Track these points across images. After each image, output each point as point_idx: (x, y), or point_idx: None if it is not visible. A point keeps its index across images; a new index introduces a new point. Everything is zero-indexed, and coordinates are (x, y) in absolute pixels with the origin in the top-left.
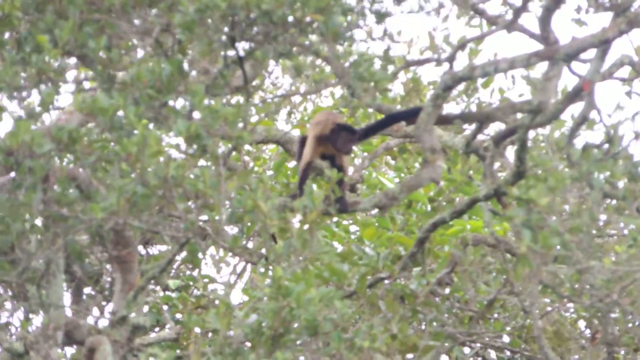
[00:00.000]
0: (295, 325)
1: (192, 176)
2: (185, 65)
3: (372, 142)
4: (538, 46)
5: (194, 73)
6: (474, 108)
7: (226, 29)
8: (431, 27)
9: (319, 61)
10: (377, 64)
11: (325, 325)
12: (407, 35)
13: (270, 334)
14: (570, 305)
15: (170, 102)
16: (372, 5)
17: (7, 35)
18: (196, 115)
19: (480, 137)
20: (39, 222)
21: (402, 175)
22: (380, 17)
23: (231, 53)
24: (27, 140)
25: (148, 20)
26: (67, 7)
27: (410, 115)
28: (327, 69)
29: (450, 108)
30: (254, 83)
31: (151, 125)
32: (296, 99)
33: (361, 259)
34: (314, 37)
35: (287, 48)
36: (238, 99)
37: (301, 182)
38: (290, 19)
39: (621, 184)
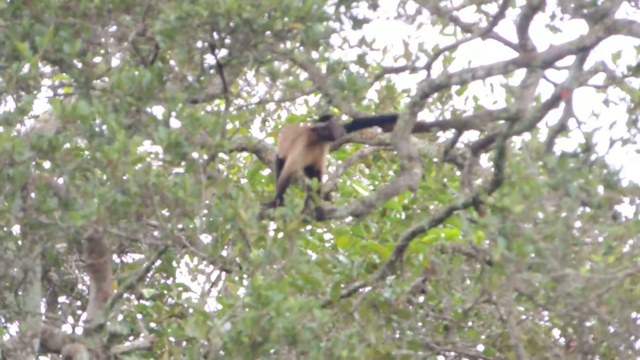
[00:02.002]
0: (274, 334)
1: (172, 184)
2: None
3: (347, 150)
4: (512, 53)
5: (171, 80)
6: (448, 115)
7: (206, 37)
8: (405, 34)
9: (293, 68)
10: (354, 71)
11: (304, 334)
12: (381, 42)
13: (249, 343)
14: (545, 313)
15: (148, 110)
16: (347, 10)
17: None
18: (174, 123)
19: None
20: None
21: (376, 182)
22: (357, 23)
23: (209, 60)
24: (7, 148)
25: (124, 24)
26: (42, 11)
27: (386, 121)
28: (302, 76)
29: (425, 115)
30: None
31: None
32: (270, 106)
33: (335, 267)
34: (290, 45)
35: (266, 56)
36: (213, 106)
37: (281, 191)
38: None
39: (596, 191)
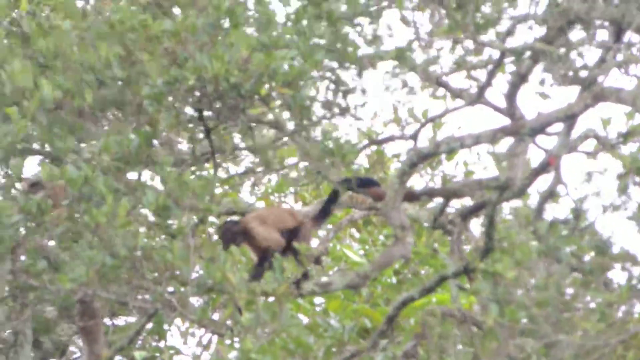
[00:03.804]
0: None
1: (160, 247)
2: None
3: (337, 214)
4: (502, 118)
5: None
6: (438, 181)
7: (193, 101)
8: (395, 99)
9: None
10: (343, 138)
11: None
12: (371, 107)
13: None
14: None
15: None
16: (337, 88)
17: None
18: (163, 186)
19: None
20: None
21: (367, 247)
22: (345, 93)
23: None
24: None
25: (117, 120)
26: (37, 109)
27: (365, 184)
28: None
29: (415, 180)
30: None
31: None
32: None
33: (326, 331)
34: (277, 111)
35: (252, 124)
36: (203, 171)
37: (263, 267)
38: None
39: (587, 257)
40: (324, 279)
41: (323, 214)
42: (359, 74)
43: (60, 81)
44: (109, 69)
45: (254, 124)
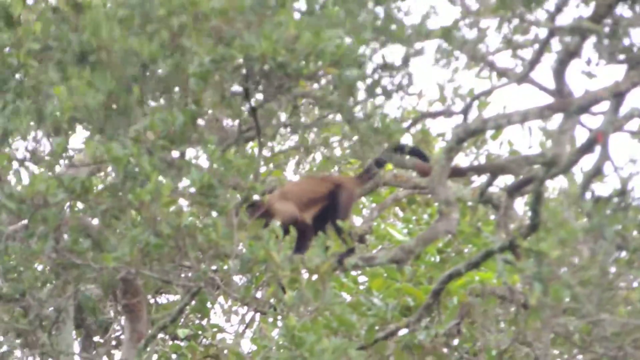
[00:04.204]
0: None
1: (204, 226)
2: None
3: (381, 193)
4: (547, 98)
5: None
6: (482, 160)
7: (240, 80)
8: (440, 78)
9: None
10: (390, 116)
11: None
12: (416, 86)
13: None
14: (580, 357)
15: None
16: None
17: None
18: (208, 165)
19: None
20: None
21: (411, 226)
22: (393, 68)
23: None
24: (41, 190)
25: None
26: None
27: (413, 153)
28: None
29: (459, 160)
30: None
31: (161, 177)
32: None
33: (369, 309)
34: (324, 88)
35: (298, 101)
36: (247, 149)
37: (306, 240)
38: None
39: (632, 236)
40: (368, 254)
41: (368, 172)
42: (406, 53)
43: (103, 82)
44: (154, 64)
45: (301, 102)
